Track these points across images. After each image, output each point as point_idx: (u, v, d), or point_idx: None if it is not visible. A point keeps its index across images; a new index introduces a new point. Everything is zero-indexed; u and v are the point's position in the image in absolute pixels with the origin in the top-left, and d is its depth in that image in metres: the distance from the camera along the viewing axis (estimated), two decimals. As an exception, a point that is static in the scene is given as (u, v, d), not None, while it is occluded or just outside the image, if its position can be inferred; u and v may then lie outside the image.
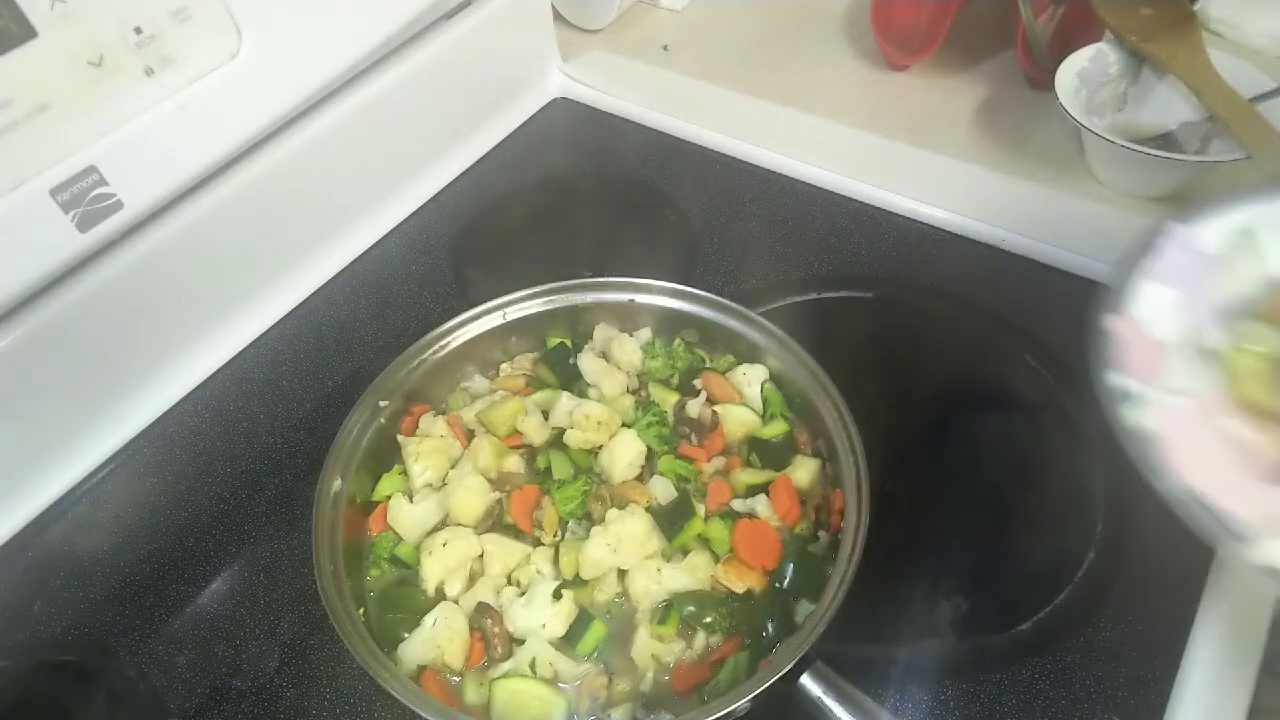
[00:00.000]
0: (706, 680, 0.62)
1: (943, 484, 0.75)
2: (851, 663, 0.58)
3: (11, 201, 0.65)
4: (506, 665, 0.63)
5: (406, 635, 0.63)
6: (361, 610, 0.65)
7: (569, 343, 0.81)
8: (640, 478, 0.72)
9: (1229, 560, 0.63)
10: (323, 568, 0.63)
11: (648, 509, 0.68)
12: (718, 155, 1.07)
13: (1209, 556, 0.67)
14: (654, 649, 0.63)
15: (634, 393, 0.79)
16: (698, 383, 0.78)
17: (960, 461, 0.76)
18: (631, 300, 0.80)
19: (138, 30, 0.69)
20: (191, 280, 0.85)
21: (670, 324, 0.80)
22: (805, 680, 0.56)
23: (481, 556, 0.68)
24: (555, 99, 1.17)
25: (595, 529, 0.67)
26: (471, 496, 0.69)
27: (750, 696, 0.55)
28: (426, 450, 0.72)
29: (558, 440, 0.74)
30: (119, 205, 0.72)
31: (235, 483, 0.80)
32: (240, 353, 0.90)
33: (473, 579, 0.68)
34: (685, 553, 0.67)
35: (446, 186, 1.06)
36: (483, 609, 0.65)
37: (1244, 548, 0.44)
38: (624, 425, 0.74)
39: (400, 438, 0.74)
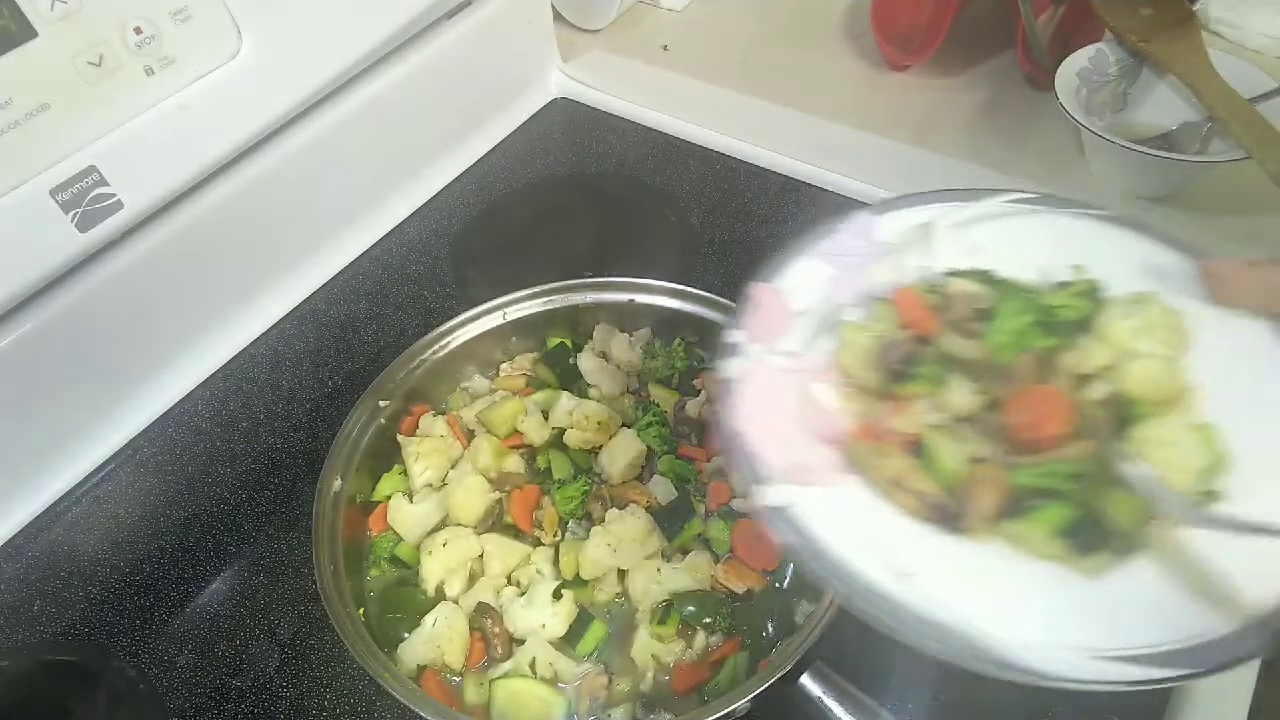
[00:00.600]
0: (706, 680, 0.62)
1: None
2: (851, 663, 0.58)
3: (11, 201, 0.65)
4: (506, 665, 0.63)
5: (406, 635, 0.63)
6: (361, 610, 0.65)
7: (569, 343, 0.81)
8: (640, 478, 0.72)
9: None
10: (323, 568, 0.63)
11: (648, 509, 0.68)
12: (718, 155, 1.07)
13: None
14: (654, 649, 0.63)
15: (634, 393, 0.79)
16: (698, 383, 0.78)
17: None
18: (631, 300, 0.80)
19: (138, 30, 0.69)
20: (191, 280, 0.85)
21: (670, 324, 0.80)
22: (805, 680, 0.56)
23: (481, 556, 0.68)
24: (555, 99, 1.17)
25: (595, 529, 0.67)
26: (471, 496, 0.69)
27: (750, 696, 0.55)
28: (426, 450, 0.72)
29: (558, 440, 0.74)
30: (119, 205, 0.72)
31: (235, 483, 0.80)
32: (240, 353, 0.90)
33: (473, 579, 0.68)
34: (685, 553, 0.67)
35: (446, 186, 1.06)
36: (483, 609, 0.65)
37: (757, 489, 0.47)
38: (624, 425, 0.74)
39: (400, 438, 0.74)
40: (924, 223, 0.59)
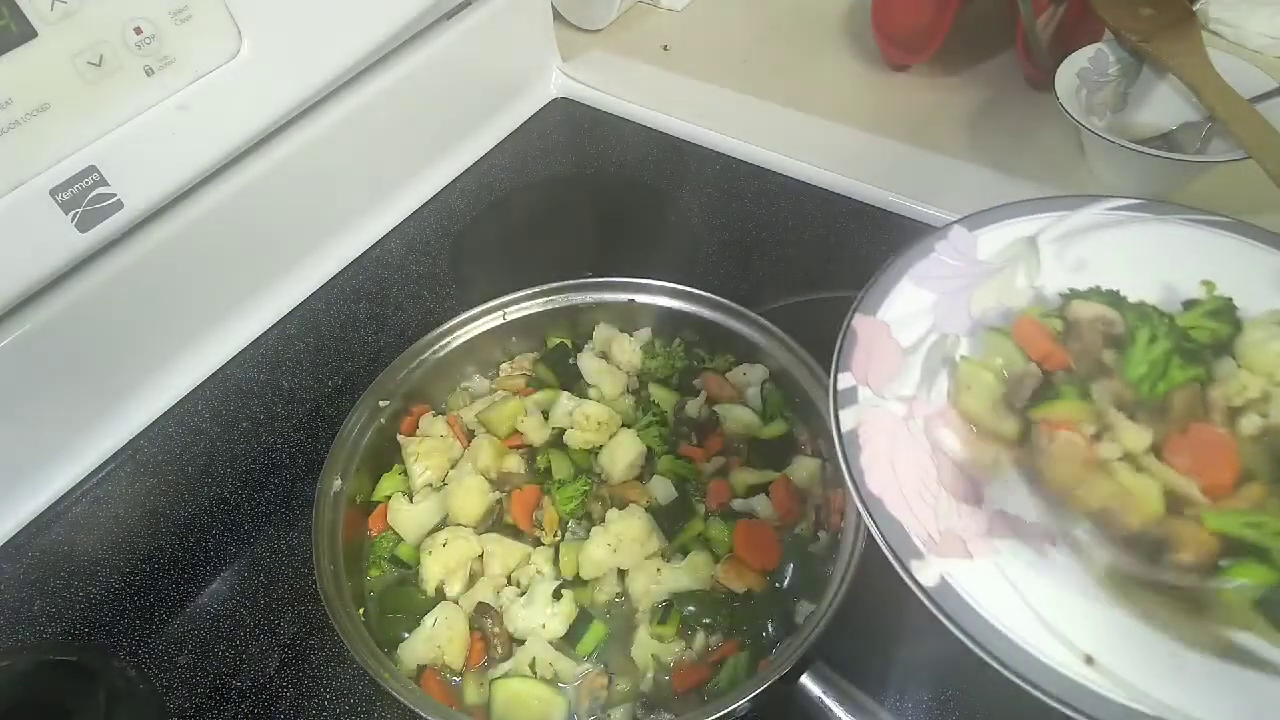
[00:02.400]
0: (706, 680, 0.62)
1: (943, 484, 0.75)
2: (851, 663, 0.58)
3: (11, 201, 0.65)
4: (506, 665, 0.63)
5: (406, 635, 0.63)
6: (361, 610, 0.65)
7: (569, 343, 0.81)
8: (640, 478, 0.72)
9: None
10: (323, 568, 0.63)
11: (648, 509, 0.68)
12: (718, 155, 1.07)
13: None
14: (654, 649, 0.63)
15: (634, 393, 0.79)
16: (698, 383, 0.78)
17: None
18: (631, 300, 0.80)
19: (138, 30, 0.69)
20: (191, 280, 0.85)
21: (670, 324, 0.80)
22: (805, 680, 0.56)
23: (481, 556, 0.68)
24: (555, 99, 1.17)
25: (595, 529, 0.67)
26: (471, 496, 0.69)
27: (750, 696, 0.55)
28: (426, 450, 0.72)
29: (558, 440, 0.74)
30: (119, 205, 0.72)
31: (235, 483, 0.80)
32: (240, 353, 0.90)
33: (473, 579, 0.68)
34: (685, 553, 0.67)
35: (446, 186, 1.06)
36: (483, 609, 0.65)
37: (912, 566, 0.43)
38: (624, 425, 0.74)
39: (400, 438, 0.74)
40: (1025, 237, 0.54)
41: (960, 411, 0.49)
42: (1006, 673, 0.40)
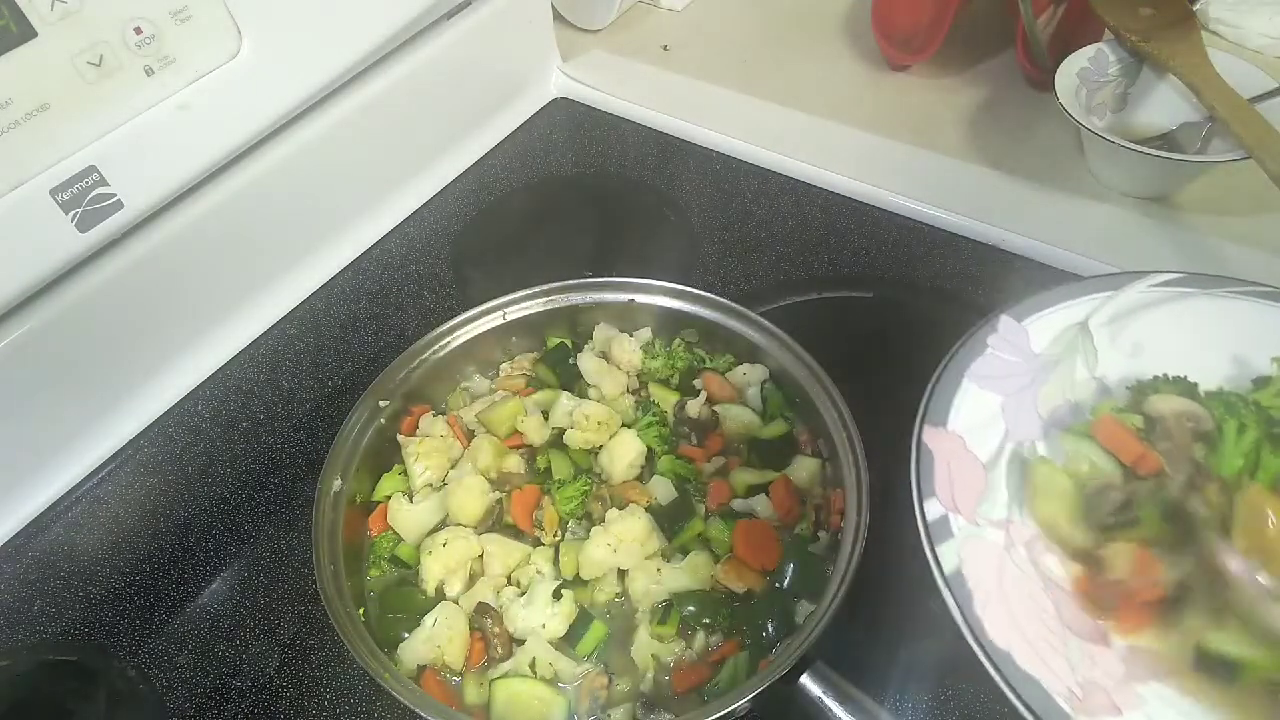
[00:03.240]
0: (706, 680, 0.62)
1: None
2: (851, 663, 0.58)
3: (11, 201, 0.65)
4: (506, 665, 0.63)
5: (406, 635, 0.63)
6: (361, 610, 0.65)
7: (569, 343, 0.81)
8: (640, 478, 0.72)
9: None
10: (323, 568, 0.63)
11: (648, 509, 0.68)
12: (718, 155, 1.07)
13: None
14: (654, 649, 0.63)
15: (634, 393, 0.79)
16: (698, 383, 0.78)
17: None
18: (631, 300, 0.80)
19: (138, 30, 0.69)
20: (191, 280, 0.85)
21: (670, 324, 0.80)
22: (805, 680, 0.56)
23: (481, 556, 0.68)
24: (555, 99, 1.17)
25: (595, 529, 0.67)
26: (471, 496, 0.69)
27: (750, 696, 0.55)
28: (426, 450, 0.72)
29: (558, 440, 0.74)
30: (119, 205, 0.72)
31: (235, 483, 0.80)
32: (240, 353, 0.90)
33: (473, 579, 0.68)
34: (685, 553, 0.67)
35: (446, 186, 1.06)
36: (483, 609, 0.65)
37: None
38: (624, 425, 0.74)
39: (400, 438, 0.74)
40: (1076, 324, 0.53)
41: (1034, 516, 0.46)
42: None
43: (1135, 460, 0.46)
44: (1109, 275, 0.54)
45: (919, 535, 0.45)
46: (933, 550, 0.45)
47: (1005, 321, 0.53)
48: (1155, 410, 0.47)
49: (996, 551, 0.45)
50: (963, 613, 0.43)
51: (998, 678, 0.41)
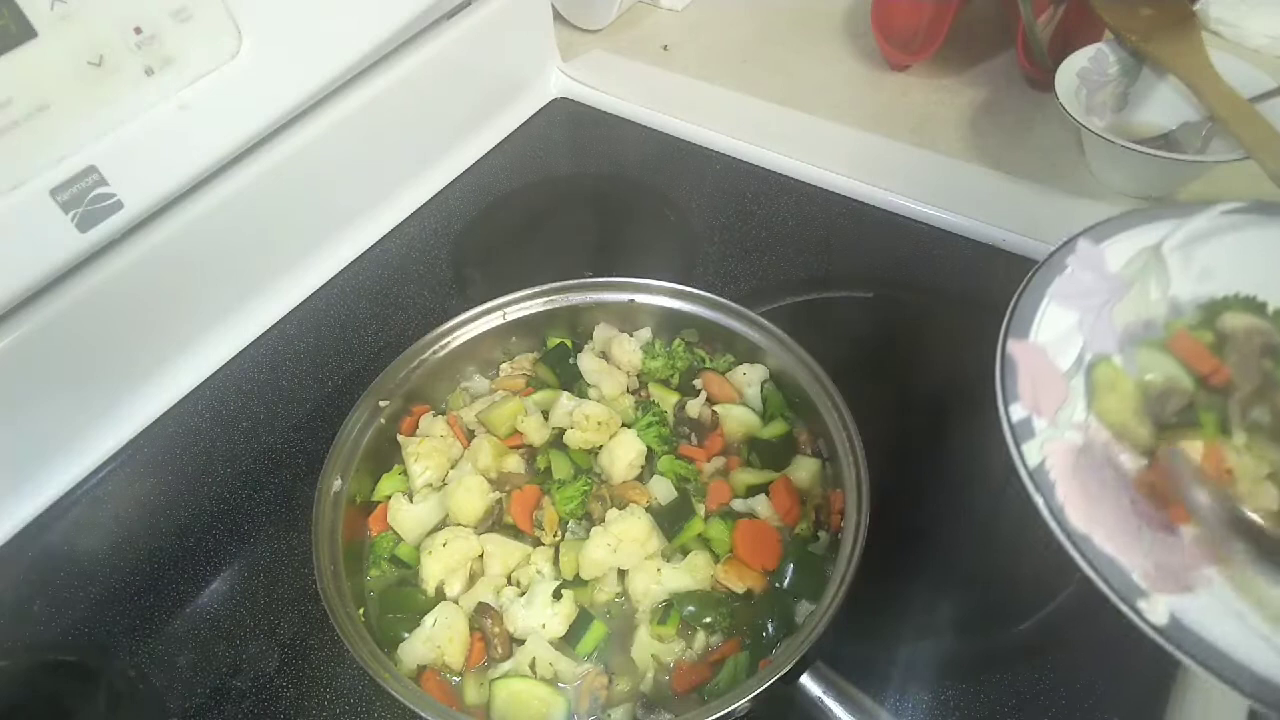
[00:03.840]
0: (706, 680, 0.62)
1: (943, 484, 0.75)
2: (851, 663, 0.58)
3: (11, 201, 0.65)
4: (506, 665, 0.63)
5: (406, 635, 0.63)
6: (361, 610, 0.65)
7: (569, 343, 0.81)
8: (640, 478, 0.72)
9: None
10: (323, 568, 0.63)
11: (648, 509, 0.68)
12: (718, 155, 1.07)
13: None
14: (654, 649, 0.63)
15: (634, 393, 0.79)
16: (698, 383, 0.78)
17: (960, 461, 0.76)
18: (631, 300, 0.80)
19: (138, 30, 0.69)
20: (191, 280, 0.85)
21: (670, 324, 0.80)
22: (805, 680, 0.56)
23: (481, 556, 0.68)
24: (555, 99, 1.17)
25: (595, 529, 0.67)
26: (471, 496, 0.69)
27: (750, 696, 0.55)
28: (426, 450, 0.72)
29: (558, 440, 0.74)
30: (119, 205, 0.72)
31: (235, 483, 0.80)
32: (240, 353, 0.90)
33: (473, 579, 0.68)
34: (685, 553, 0.67)
35: (446, 186, 1.06)
36: (483, 609, 0.65)
37: (1141, 604, 0.44)
38: (624, 425, 0.74)
39: (400, 438, 0.74)
40: (1149, 247, 0.56)
41: (1097, 414, 0.50)
42: (1259, 705, 0.41)
43: (1209, 372, 0.51)
44: (1180, 204, 0.60)
45: (1003, 438, 0.49)
46: (1017, 448, 0.48)
47: (1083, 244, 0.57)
48: (1226, 326, 0.52)
49: (1075, 450, 0.49)
50: (1046, 502, 0.47)
51: (1079, 558, 0.45)
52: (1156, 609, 0.44)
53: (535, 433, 0.74)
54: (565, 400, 0.75)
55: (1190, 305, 0.55)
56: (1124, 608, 0.45)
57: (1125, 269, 0.56)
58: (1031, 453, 0.48)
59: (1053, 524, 0.46)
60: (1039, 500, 0.47)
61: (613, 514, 0.68)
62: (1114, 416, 0.50)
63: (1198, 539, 0.47)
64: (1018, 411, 0.49)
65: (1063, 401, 0.51)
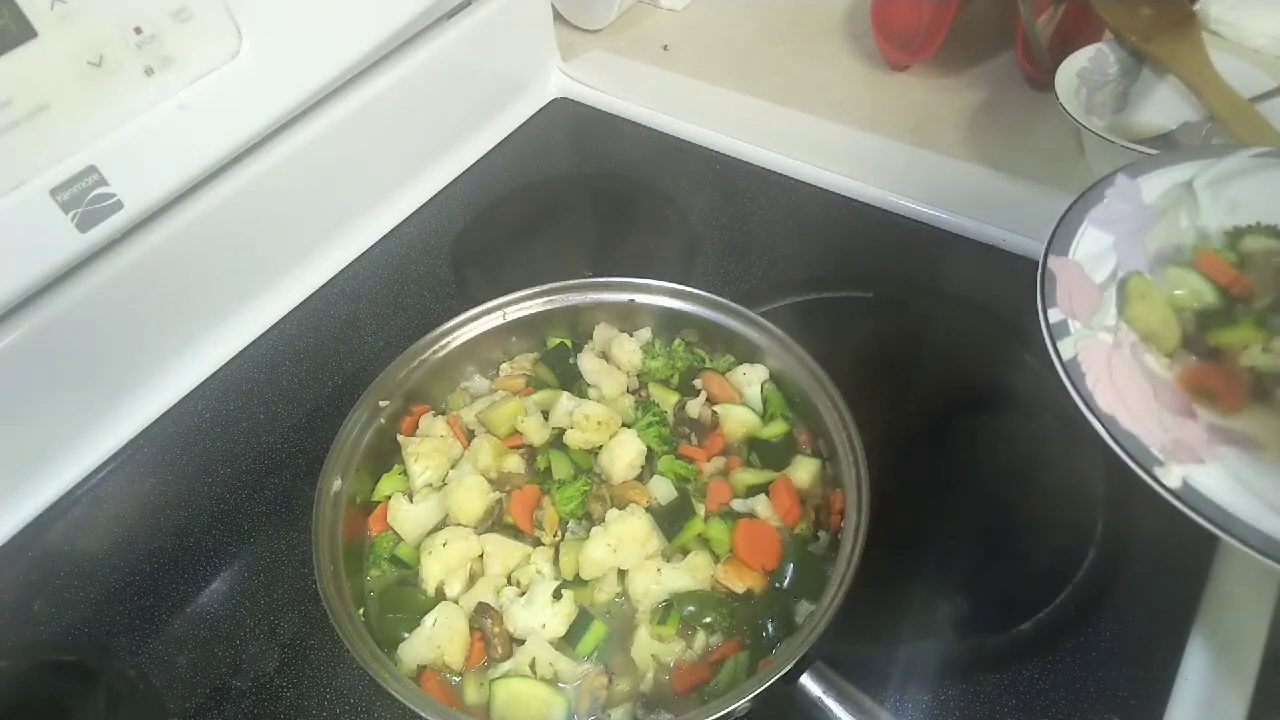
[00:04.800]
0: (706, 680, 0.62)
1: (943, 484, 0.75)
2: (851, 663, 0.58)
3: (11, 201, 0.65)
4: (506, 665, 0.63)
5: (406, 635, 0.63)
6: (361, 610, 0.65)
7: (569, 343, 0.81)
8: (640, 478, 0.72)
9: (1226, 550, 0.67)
10: (323, 568, 0.63)
11: (648, 509, 0.68)
12: (718, 155, 1.07)
13: (1209, 556, 0.67)
14: (654, 649, 0.63)
15: (634, 393, 0.79)
16: (698, 383, 0.78)
17: (960, 461, 0.76)
18: (631, 300, 0.80)
19: (138, 30, 0.69)
20: (191, 280, 0.85)
21: (670, 324, 0.80)
22: (805, 680, 0.56)
23: (481, 556, 0.68)
24: (555, 99, 1.17)
25: (595, 529, 0.67)
26: (471, 496, 0.69)
27: (750, 696, 0.55)
28: (426, 450, 0.72)
29: (558, 440, 0.74)
30: (119, 205, 0.72)
31: (235, 483, 0.80)
32: (240, 353, 0.90)
33: (473, 579, 0.68)
34: (685, 553, 0.67)
35: (446, 186, 1.06)
36: (483, 609, 0.65)
37: (1160, 472, 0.49)
38: (624, 425, 0.74)
39: (400, 438, 0.74)
40: (1182, 182, 0.62)
41: (1128, 321, 0.57)
42: (1261, 558, 0.46)
43: (1230, 282, 0.58)
44: (1214, 146, 0.67)
45: (1042, 338, 0.56)
46: (1053, 343, 0.55)
47: (1121, 178, 0.63)
48: (1248, 248, 0.59)
49: (1105, 348, 0.56)
50: (1076, 388, 0.53)
51: (1104, 433, 0.51)
52: (1171, 474, 0.49)
53: (535, 433, 0.74)
54: (565, 400, 0.75)
55: (1217, 233, 0.62)
56: (1142, 473, 0.50)
57: (1159, 200, 0.62)
58: (1066, 348, 0.54)
59: (1083, 406, 0.52)
60: (1071, 386, 0.53)
61: (613, 514, 0.68)
62: (1143, 322, 0.56)
63: (1212, 425, 0.53)
64: (1055, 315, 0.56)
65: (1096, 308, 0.58)
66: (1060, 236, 0.60)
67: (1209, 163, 0.63)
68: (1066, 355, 0.54)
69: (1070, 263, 0.58)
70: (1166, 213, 0.62)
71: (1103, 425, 0.51)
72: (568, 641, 0.64)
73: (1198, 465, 0.50)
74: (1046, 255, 0.59)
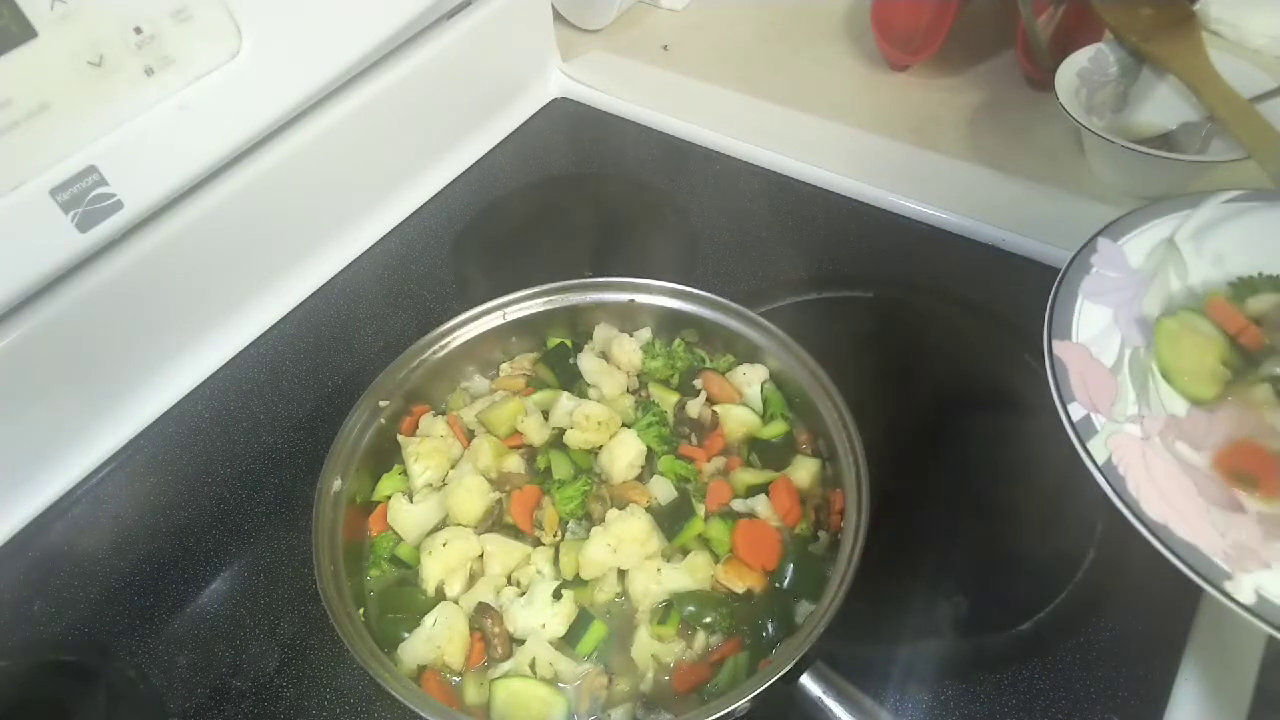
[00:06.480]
0: (706, 680, 0.62)
1: (943, 484, 0.75)
2: (851, 663, 0.58)
3: (11, 201, 0.65)
4: (506, 665, 0.63)
5: (406, 635, 0.63)
6: (361, 610, 0.65)
7: (569, 343, 0.81)
8: (640, 478, 0.72)
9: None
10: (323, 568, 0.63)
11: (648, 509, 0.68)
12: (718, 155, 1.07)
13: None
14: (654, 649, 0.63)
15: (634, 393, 0.79)
16: (698, 383, 0.78)
17: (960, 461, 0.76)
18: (631, 300, 0.80)
19: (138, 30, 0.69)
20: (191, 280, 0.85)
21: (670, 324, 0.80)
22: (805, 680, 0.56)
23: (481, 556, 0.68)
24: (555, 99, 1.17)
25: (595, 529, 0.67)
26: (471, 496, 0.69)
27: (750, 696, 0.55)
28: (426, 450, 0.72)
29: (558, 440, 0.74)
30: (119, 205, 0.72)
31: (235, 483, 0.80)
32: (240, 353, 0.90)
33: (473, 579, 0.68)
34: (685, 553, 0.67)
35: (446, 186, 1.06)
36: (483, 609, 0.65)
37: (1230, 587, 0.45)
38: (624, 425, 0.74)
39: (400, 438, 0.74)
40: (1164, 240, 0.60)
41: (1160, 365, 0.54)
42: None
43: (1239, 330, 0.55)
44: (1186, 196, 0.62)
45: (1068, 438, 0.52)
46: (1083, 446, 0.51)
47: (1103, 243, 0.61)
48: (1254, 310, 0.56)
49: (1136, 442, 0.52)
50: (1120, 496, 0.49)
51: (1161, 547, 0.47)
52: (1243, 588, 0.45)
53: (535, 433, 0.74)
54: (565, 400, 0.75)
55: (1207, 291, 0.59)
56: (1212, 590, 0.46)
57: (1145, 263, 0.60)
58: (1098, 449, 0.50)
59: (1130, 516, 0.48)
60: (1114, 497, 0.49)
61: (613, 514, 0.68)
62: (1178, 364, 0.53)
63: (1262, 515, 0.49)
64: (1077, 410, 0.52)
65: (1115, 397, 0.54)
66: (1059, 317, 0.57)
67: (1185, 215, 0.61)
68: (1100, 458, 0.50)
69: (1075, 346, 0.55)
70: (1155, 275, 0.60)
71: (1157, 537, 0.47)
72: (568, 641, 0.64)
73: (1265, 571, 0.46)
74: (1050, 341, 0.56)
